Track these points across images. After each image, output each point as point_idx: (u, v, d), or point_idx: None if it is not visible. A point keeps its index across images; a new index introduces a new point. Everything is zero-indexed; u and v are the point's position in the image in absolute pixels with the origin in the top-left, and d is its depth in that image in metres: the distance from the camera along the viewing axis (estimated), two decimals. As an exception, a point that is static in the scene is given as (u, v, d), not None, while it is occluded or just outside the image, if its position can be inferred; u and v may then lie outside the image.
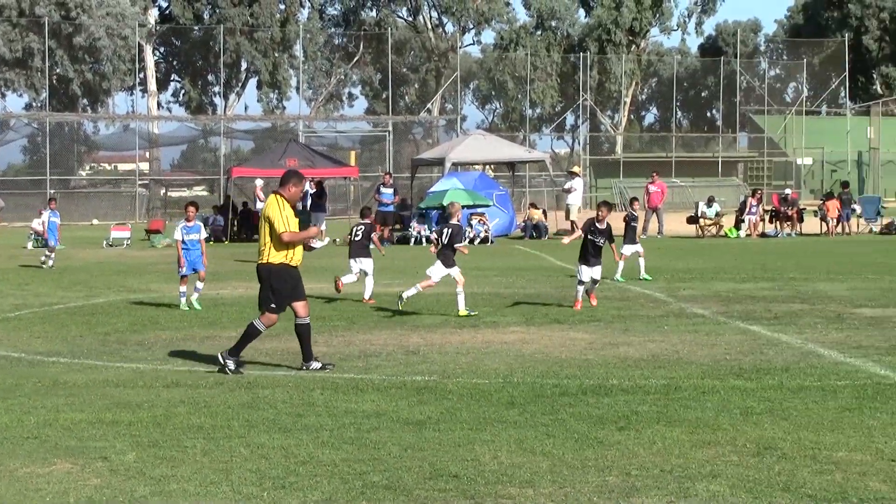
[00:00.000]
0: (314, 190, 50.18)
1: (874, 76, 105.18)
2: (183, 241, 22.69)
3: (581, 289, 21.67)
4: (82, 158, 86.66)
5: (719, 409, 12.06)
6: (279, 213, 14.80)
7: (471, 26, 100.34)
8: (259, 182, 54.68)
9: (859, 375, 14.02)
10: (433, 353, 16.24)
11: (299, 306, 15.01)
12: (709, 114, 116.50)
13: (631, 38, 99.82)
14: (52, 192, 61.94)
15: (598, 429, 11.17)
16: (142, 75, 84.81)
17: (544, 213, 50.81)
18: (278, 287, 14.88)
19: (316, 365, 14.93)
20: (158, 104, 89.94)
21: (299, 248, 15.05)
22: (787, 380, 13.73)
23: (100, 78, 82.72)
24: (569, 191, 48.61)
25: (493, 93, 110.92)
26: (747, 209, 48.40)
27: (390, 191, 46.41)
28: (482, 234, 44.69)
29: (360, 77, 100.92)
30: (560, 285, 26.18)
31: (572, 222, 48.16)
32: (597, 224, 21.83)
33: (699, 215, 48.67)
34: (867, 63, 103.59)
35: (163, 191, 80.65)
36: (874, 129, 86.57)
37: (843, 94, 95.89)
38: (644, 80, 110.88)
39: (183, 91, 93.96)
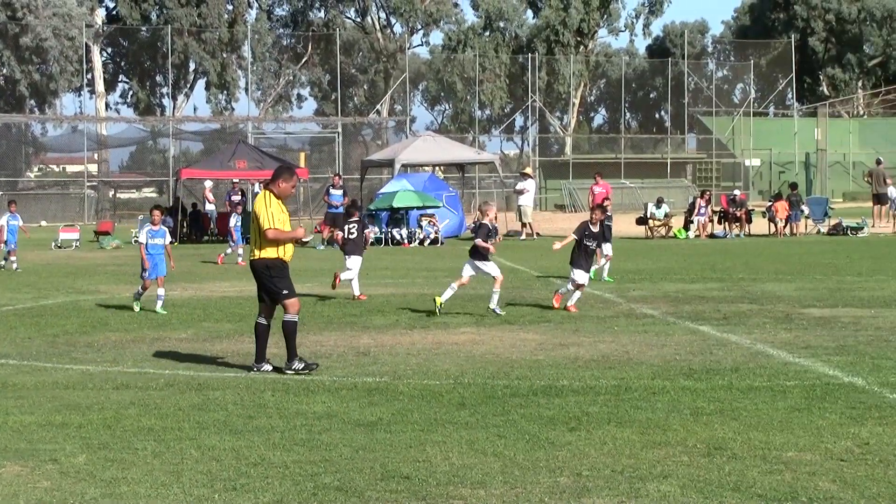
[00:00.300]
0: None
1: (820, 77, 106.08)
2: (146, 246, 22.17)
3: (576, 292, 21.46)
4: (30, 160, 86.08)
5: (669, 409, 12.12)
6: (265, 210, 14.71)
7: (419, 27, 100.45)
8: (208, 184, 54.60)
9: (808, 375, 14.11)
10: (384, 355, 16.22)
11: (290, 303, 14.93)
12: (657, 115, 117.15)
13: (579, 39, 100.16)
14: (1, 194, 61.41)
15: (549, 429, 11.20)
16: (89, 76, 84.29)
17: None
18: (277, 276, 14.79)
19: (299, 365, 14.75)
20: (107, 105, 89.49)
21: (290, 244, 14.97)
22: (737, 380, 13.80)
23: (47, 79, 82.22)
24: (521, 192, 48.70)
25: (442, 94, 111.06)
26: (696, 210, 48.64)
27: (339, 192, 46.32)
28: (432, 236, 44.71)
29: (308, 78, 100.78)
30: (510, 286, 26.21)
31: (529, 224, 48.28)
32: (591, 227, 21.79)
33: (648, 216, 48.86)
34: (813, 64, 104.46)
35: (111, 192, 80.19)
36: (821, 130, 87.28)
37: (790, 96, 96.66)
38: (592, 82, 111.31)
39: (131, 92, 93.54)
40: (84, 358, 16.23)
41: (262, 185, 50.69)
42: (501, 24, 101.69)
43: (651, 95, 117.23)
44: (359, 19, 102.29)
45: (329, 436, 11.03)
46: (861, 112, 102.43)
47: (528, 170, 53.17)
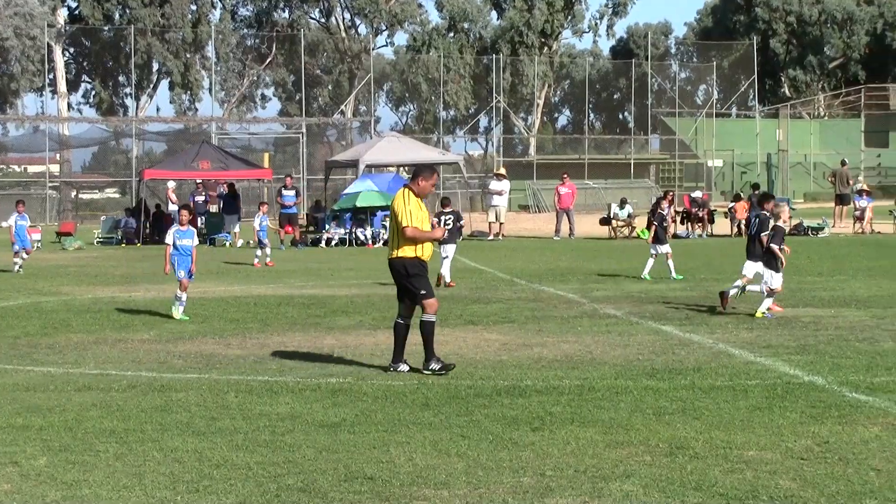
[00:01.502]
0: (226, 192, 49.97)
1: (782, 79, 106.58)
2: (175, 246, 21.28)
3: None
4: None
5: (632, 409, 12.17)
6: (404, 208, 14.62)
7: (384, 28, 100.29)
8: (171, 184, 54.40)
9: (769, 375, 14.19)
10: (348, 355, 16.22)
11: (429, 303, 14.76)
12: (621, 116, 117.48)
13: (543, 40, 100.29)
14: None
15: (513, 430, 11.22)
16: (51, 76, 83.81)
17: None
18: (415, 275, 14.64)
19: (436, 366, 14.53)
20: (69, 105, 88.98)
21: (429, 244, 14.86)
22: (699, 380, 13.87)
23: (8, 79, 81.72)
24: (499, 193, 48.70)
25: (406, 95, 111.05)
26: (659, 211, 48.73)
27: (292, 192, 46.32)
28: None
29: (273, 79, 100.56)
30: (474, 286, 26.24)
31: (500, 224, 48.28)
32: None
33: (611, 217, 48.97)
34: (775, 66, 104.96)
35: (73, 193, 79.73)
36: (783, 131, 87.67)
37: (752, 97, 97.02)
38: (557, 83, 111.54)
39: (94, 92, 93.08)
40: (46, 360, 16.16)
41: (224, 185, 50.68)
42: (466, 26, 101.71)
43: (615, 96, 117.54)
44: (323, 20, 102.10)
45: (292, 437, 11.02)
46: (822, 113, 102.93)
47: (503, 170, 53.16)
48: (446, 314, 20.84)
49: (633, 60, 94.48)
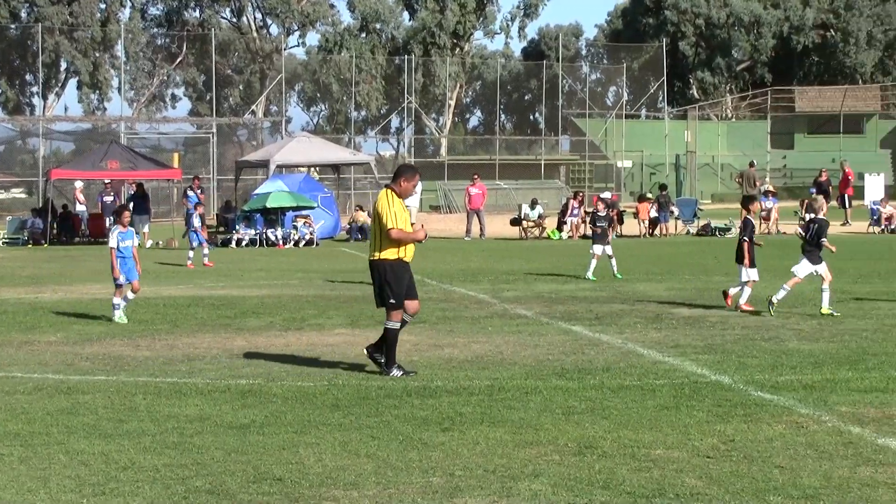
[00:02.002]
0: (135, 192, 49.52)
1: (691, 81, 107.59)
2: (118, 249, 20.75)
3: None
4: None
5: (542, 409, 12.23)
6: (388, 209, 14.46)
7: (295, 28, 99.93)
8: (79, 184, 53.86)
9: (677, 374, 14.34)
10: (258, 356, 16.15)
11: (411, 304, 14.75)
12: (532, 117, 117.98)
13: (455, 41, 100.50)
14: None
15: (423, 430, 11.24)
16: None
17: (370, 214, 50.86)
18: (393, 281, 14.49)
19: (397, 373, 14.38)
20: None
21: (411, 245, 14.72)
22: (608, 379, 13.97)
23: None
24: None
25: (318, 95, 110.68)
26: (569, 211, 49.07)
27: (195, 194, 46.06)
28: (307, 237, 44.56)
29: (183, 78, 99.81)
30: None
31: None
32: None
33: (522, 217, 49.19)
34: (684, 68, 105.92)
35: (-22, 193, 78.70)
36: (691, 132, 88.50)
37: (661, 99, 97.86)
38: (468, 83, 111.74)
39: (0, 91, 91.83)
40: (-50, 362, 15.92)
41: (133, 185, 50.20)
42: (378, 26, 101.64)
43: (526, 97, 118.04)
44: (234, 19, 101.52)
45: (201, 438, 10.96)
46: (729, 115, 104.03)
47: (415, 171, 53.11)
48: (357, 315, 20.85)
49: (545, 62, 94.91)
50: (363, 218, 48.82)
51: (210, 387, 13.73)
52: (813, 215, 21.38)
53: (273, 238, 44.36)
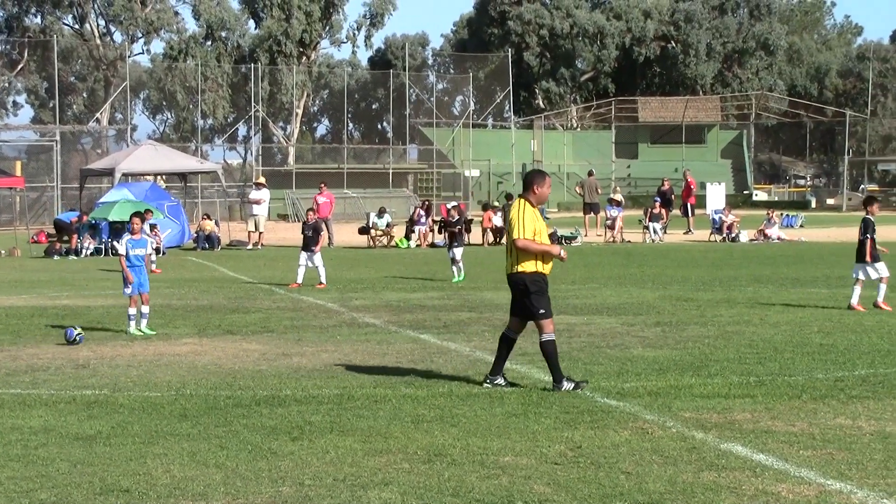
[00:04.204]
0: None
1: (536, 91, 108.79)
2: (127, 257, 20.14)
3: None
4: None
5: (391, 417, 12.28)
6: (517, 219, 13.69)
7: (140, 35, 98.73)
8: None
9: (525, 381, 14.48)
10: (103, 367, 15.94)
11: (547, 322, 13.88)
12: (379, 126, 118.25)
13: (301, 49, 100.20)
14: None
15: (272, 439, 11.21)
16: None
17: (217, 223, 50.50)
18: (537, 290, 13.71)
19: (568, 385, 13.74)
20: None
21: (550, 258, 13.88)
22: (457, 387, 14.07)
23: None
24: (257, 202, 48.37)
25: (164, 103, 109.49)
26: (417, 220, 49.25)
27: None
28: (154, 246, 43.94)
29: (25, 85, 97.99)
30: (233, 296, 26.07)
31: (260, 233, 47.95)
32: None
33: (370, 226, 49.23)
34: (529, 78, 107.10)
35: None
36: (537, 141, 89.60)
37: (507, 108, 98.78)
38: (315, 92, 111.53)
39: None
40: None
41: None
42: (223, 34, 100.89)
43: (373, 106, 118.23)
44: (77, 26, 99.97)
45: (46, 450, 10.79)
46: (574, 125, 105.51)
47: (262, 179, 52.82)
48: (205, 324, 20.68)
49: (392, 71, 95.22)
50: (210, 226, 48.44)
51: (55, 398, 13.52)
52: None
53: (118, 248, 43.62)
